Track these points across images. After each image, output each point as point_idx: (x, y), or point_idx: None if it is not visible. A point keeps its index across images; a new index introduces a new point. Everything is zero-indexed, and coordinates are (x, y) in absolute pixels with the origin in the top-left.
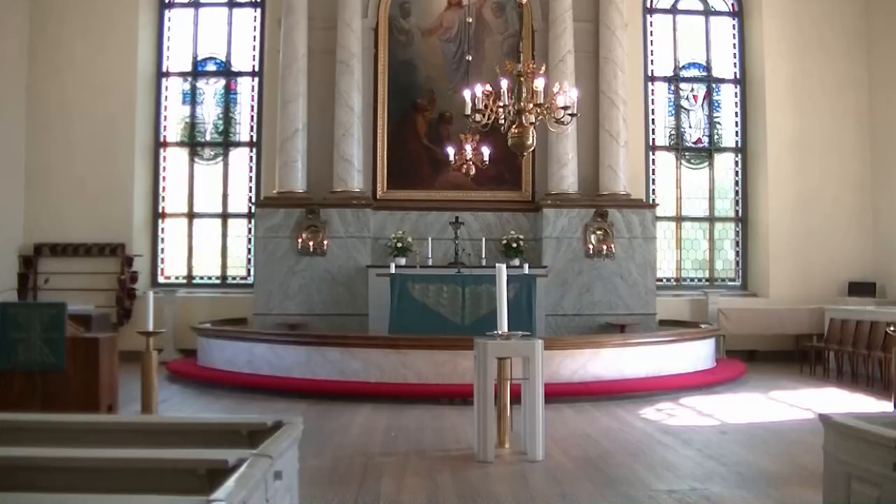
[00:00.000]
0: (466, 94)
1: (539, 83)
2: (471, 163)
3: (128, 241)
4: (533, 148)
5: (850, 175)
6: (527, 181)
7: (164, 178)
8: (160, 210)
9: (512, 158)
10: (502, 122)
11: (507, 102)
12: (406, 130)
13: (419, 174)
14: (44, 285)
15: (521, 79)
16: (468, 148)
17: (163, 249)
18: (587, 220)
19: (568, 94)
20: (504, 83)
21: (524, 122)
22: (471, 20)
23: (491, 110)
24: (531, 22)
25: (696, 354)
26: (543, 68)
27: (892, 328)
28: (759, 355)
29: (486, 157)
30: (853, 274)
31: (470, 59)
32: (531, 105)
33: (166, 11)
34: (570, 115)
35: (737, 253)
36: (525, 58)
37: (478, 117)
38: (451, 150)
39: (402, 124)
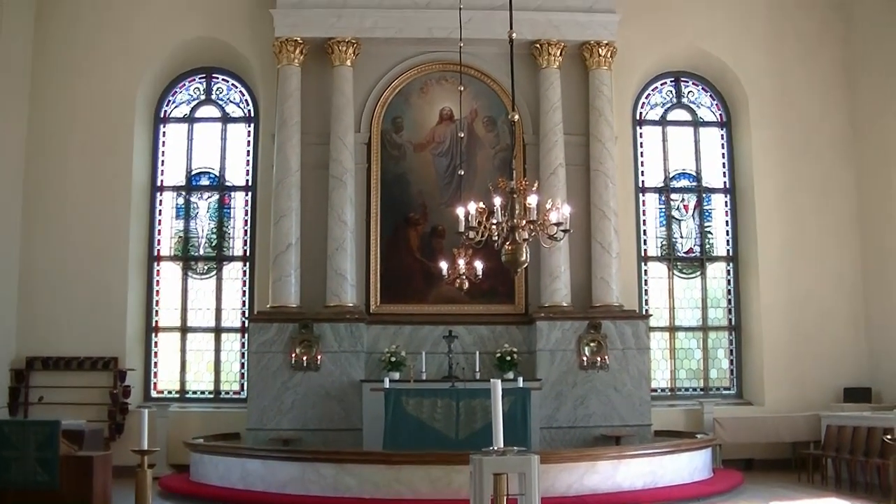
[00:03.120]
0: (460, 211)
1: (532, 200)
2: (464, 277)
3: (120, 354)
4: (527, 264)
5: (842, 280)
6: (520, 294)
7: (157, 291)
8: (153, 324)
9: (505, 272)
10: (496, 238)
11: (500, 220)
12: (399, 244)
13: (412, 288)
14: (36, 402)
15: (514, 196)
16: (461, 262)
17: (156, 363)
18: (581, 332)
19: (561, 211)
20: (497, 200)
21: (518, 238)
22: (462, 135)
23: (484, 227)
24: (522, 136)
25: (693, 465)
26: (536, 185)
27: (888, 437)
28: (756, 464)
29: (480, 271)
30: (848, 379)
31: (462, 173)
32: (524, 222)
33: (161, 126)
34: (563, 231)
35: (731, 361)
36: (518, 174)
37: (471, 234)
38: (444, 265)
39: (396, 238)
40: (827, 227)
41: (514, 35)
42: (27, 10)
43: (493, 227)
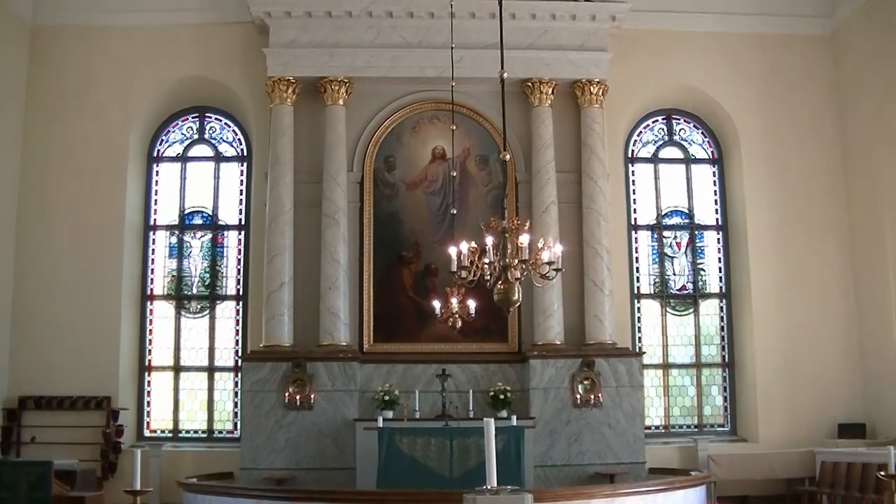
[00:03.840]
0: (452, 250)
1: (524, 239)
2: (457, 316)
3: (113, 393)
4: (519, 303)
5: (835, 316)
6: (513, 332)
7: (150, 330)
8: (146, 363)
9: (498, 310)
10: (488, 278)
11: (492, 259)
12: (392, 283)
13: (406, 327)
14: (29, 441)
15: (506, 235)
16: (454, 301)
17: (149, 403)
18: (574, 370)
19: (552, 250)
20: (489, 239)
21: (510, 278)
22: (455, 173)
23: (476, 266)
24: (515, 174)
25: (687, 502)
26: (528, 224)
27: (883, 473)
28: (751, 501)
29: (472, 310)
30: (842, 415)
31: (455, 212)
32: (516, 261)
33: (155, 165)
34: (555, 270)
35: (725, 398)
36: (510, 214)
37: (463, 274)
38: (437, 304)
39: (388, 277)
40: (819, 263)
41: (505, 75)
42: (21, 49)
43: (486, 266)
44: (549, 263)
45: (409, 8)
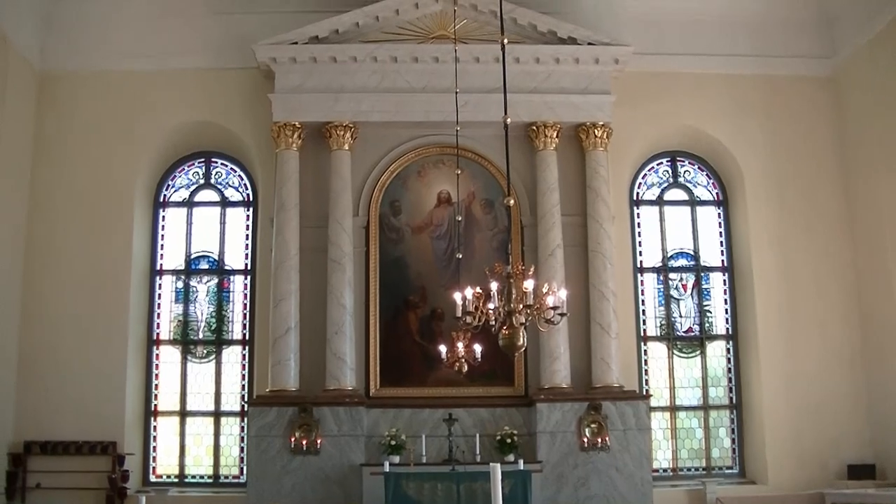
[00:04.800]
0: (457, 296)
1: (528, 284)
2: (463, 360)
3: (119, 439)
4: (524, 348)
5: (843, 356)
6: (519, 376)
7: (156, 375)
8: (152, 408)
9: (504, 354)
10: (493, 323)
11: (496, 304)
12: (398, 327)
13: (412, 371)
14: (34, 487)
15: (511, 280)
16: (460, 345)
17: (154, 448)
18: (581, 414)
19: (557, 295)
20: (493, 285)
21: (514, 323)
22: (460, 218)
23: (481, 312)
24: (520, 218)
25: None
26: (532, 269)
27: None
28: None
29: (479, 354)
30: (852, 456)
31: (460, 256)
32: (521, 306)
33: (161, 210)
34: (559, 314)
35: (733, 440)
36: (514, 259)
37: (468, 319)
38: (443, 348)
39: (395, 321)
40: (826, 303)
41: (508, 120)
42: (29, 95)
43: (490, 311)
44: (554, 308)
45: (413, 53)
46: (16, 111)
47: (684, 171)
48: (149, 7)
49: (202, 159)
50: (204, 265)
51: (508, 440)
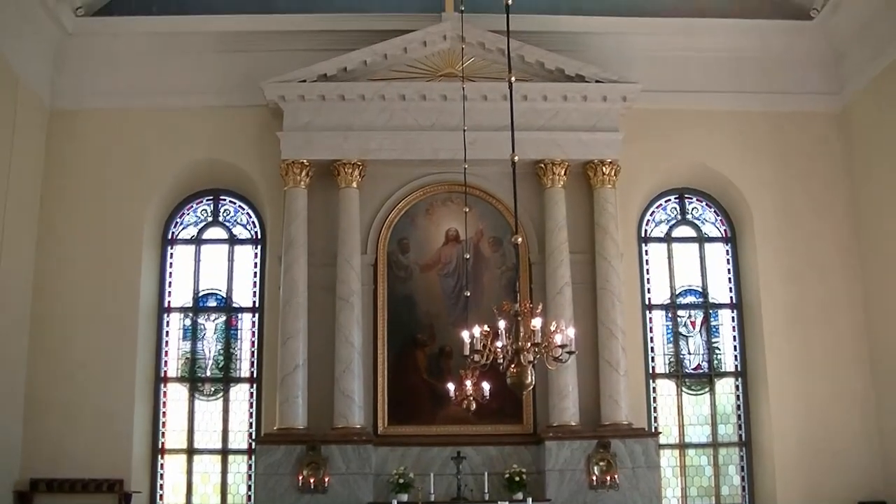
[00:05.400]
0: (465, 334)
1: (536, 322)
2: (471, 398)
3: (126, 476)
4: (532, 386)
5: (853, 392)
6: (528, 413)
7: (163, 413)
8: (160, 445)
9: (512, 392)
10: (501, 361)
11: (505, 343)
12: (406, 365)
13: (420, 409)
14: None
15: (519, 319)
16: (468, 383)
17: (162, 486)
18: (590, 451)
19: (565, 333)
20: (501, 323)
21: (522, 361)
22: (468, 256)
23: (489, 351)
24: (528, 255)
25: None
26: (540, 307)
27: None
28: None
29: (487, 392)
30: (863, 493)
31: (468, 294)
32: (529, 344)
33: (169, 247)
34: (567, 353)
35: (742, 478)
36: (522, 297)
37: (476, 357)
38: (451, 386)
39: (403, 359)
40: (835, 339)
41: (516, 158)
42: (39, 133)
43: (498, 350)
44: (562, 347)
45: (421, 91)
46: (26, 148)
47: (692, 208)
48: (158, 45)
49: (211, 197)
50: (212, 303)
51: (517, 478)
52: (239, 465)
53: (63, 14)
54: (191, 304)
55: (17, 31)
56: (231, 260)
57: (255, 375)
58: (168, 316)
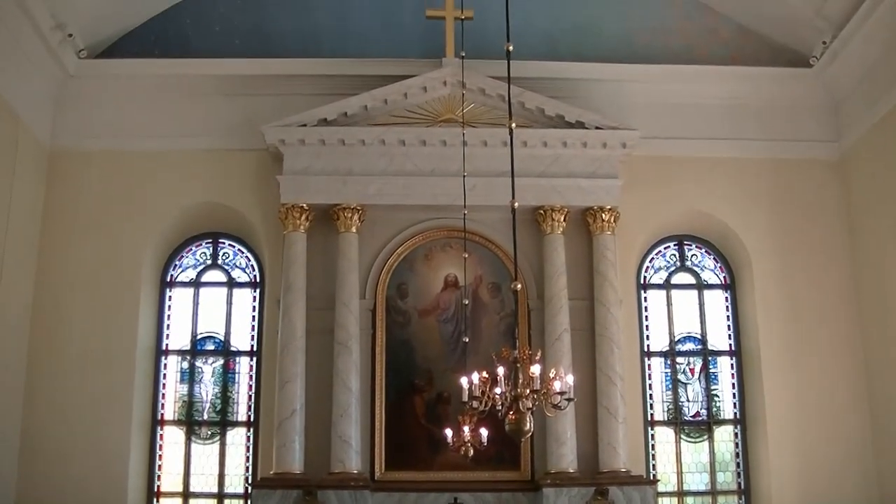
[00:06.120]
0: (463, 381)
1: (535, 369)
2: (469, 444)
3: None
4: (531, 433)
5: (852, 439)
6: (525, 460)
7: (160, 455)
8: (155, 489)
9: (511, 438)
10: (499, 408)
11: (503, 389)
12: (404, 411)
13: (417, 455)
14: None
15: (517, 365)
16: (466, 429)
17: None
18: (588, 499)
19: (564, 380)
20: (500, 370)
21: (521, 408)
22: (467, 301)
23: (488, 397)
24: (527, 301)
25: None
26: (539, 354)
27: None
28: None
29: (484, 438)
30: None
31: (467, 340)
32: (528, 391)
33: (168, 290)
34: (566, 399)
35: None
36: (521, 343)
37: (475, 404)
38: (449, 432)
39: (401, 404)
40: (835, 388)
41: (516, 205)
42: (39, 173)
43: (497, 396)
44: (561, 393)
45: (421, 136)
46: (25, 189)
47: (691, 255)
48: (159, 88)
49: (210, 240)
50: (210, 346)
51: None
52: None
53: (66, 56)
54: (189, 347)
55: (20, 71)
56: (229, 303)
57: (252, 419)
58: (166, 358)
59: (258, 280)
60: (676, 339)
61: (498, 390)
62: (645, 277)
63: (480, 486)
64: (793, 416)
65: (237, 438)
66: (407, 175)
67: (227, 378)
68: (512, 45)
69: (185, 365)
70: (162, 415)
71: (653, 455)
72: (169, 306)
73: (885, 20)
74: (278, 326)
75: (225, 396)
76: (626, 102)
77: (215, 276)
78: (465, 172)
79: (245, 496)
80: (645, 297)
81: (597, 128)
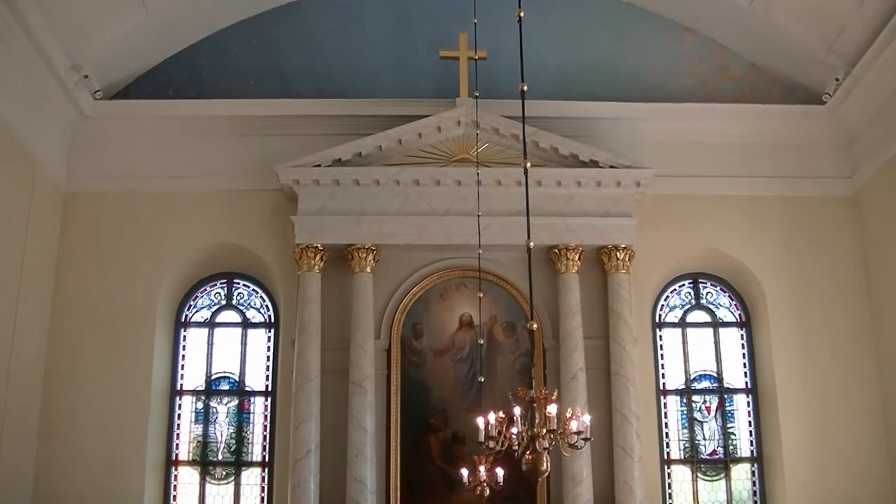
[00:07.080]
0: (480, 421)
1: (552, 409)
2: (485, 484)
3: None
4: (547, 473)
5: (871, 476)
6: (542, 500)
7: (174, 496)
8: None
9: (526, 478)
10: (516, 448)
11: (520, 429)
12: (419, 451)
13: (433, 495)
14: None
15: (534, 405)
16: (482, 469)
17: None
18: None
19: (581, 419)
20: (516, 409)
21: (538, 448)
22: (482, 341)
23: (504, 437)
24: (542, 341)
25: None
26: (556, 393)
27: None
28: None
29: (500, 478)
30: None
31: (482, 380)
32: (544, 431)
33: (182, 330)
34: (583, 439)
35: None
36: (537, 382)
37: (491, 444)
38: (464, 472)
39: (416, 445)
40: (852, 425)
41: (532, 244)
42: (54, 215)
43: (513, 436)
44: (578, 433)
45: (435, 176)
46: (41, 230)
47: (706, 293)
48: (174, 128)
49: (224, 280)
50: (224, 386)
51: None
52: None
53: (81, 97)
54: (203, 388)
55: (35, 113)
56: (244, 343)
57: (266, 460)
58: (180, 399)
59: (273, 320)
60: (692, 377)
61: (514, 430)
62: (660, 316)
63: None
64: (810, 453)
65: (252, 479)
66: (421, 215)
67: (241, 418)
68: (526, 85)
69: (200, 405)
70: (176, 455)
71: (669, 494)
72: (183, 346)
73: None
74: (293, 366)
75: (240, 437)
76: (640, 141)
77: (230, 316)
78: (480, 212)
79: None
80: (660, 336)
81: (611, 166)
